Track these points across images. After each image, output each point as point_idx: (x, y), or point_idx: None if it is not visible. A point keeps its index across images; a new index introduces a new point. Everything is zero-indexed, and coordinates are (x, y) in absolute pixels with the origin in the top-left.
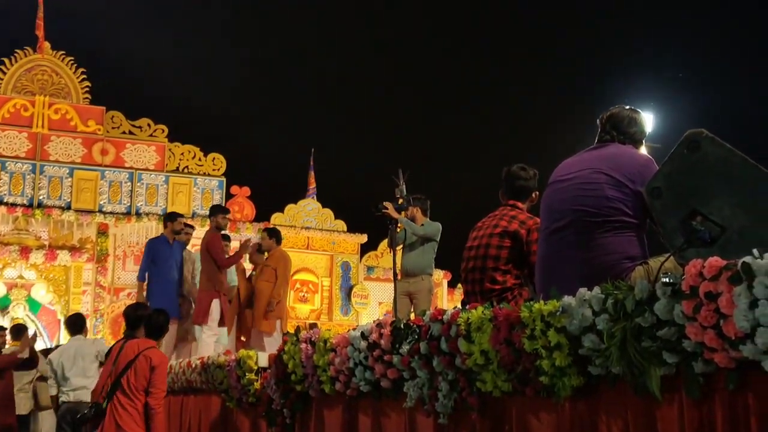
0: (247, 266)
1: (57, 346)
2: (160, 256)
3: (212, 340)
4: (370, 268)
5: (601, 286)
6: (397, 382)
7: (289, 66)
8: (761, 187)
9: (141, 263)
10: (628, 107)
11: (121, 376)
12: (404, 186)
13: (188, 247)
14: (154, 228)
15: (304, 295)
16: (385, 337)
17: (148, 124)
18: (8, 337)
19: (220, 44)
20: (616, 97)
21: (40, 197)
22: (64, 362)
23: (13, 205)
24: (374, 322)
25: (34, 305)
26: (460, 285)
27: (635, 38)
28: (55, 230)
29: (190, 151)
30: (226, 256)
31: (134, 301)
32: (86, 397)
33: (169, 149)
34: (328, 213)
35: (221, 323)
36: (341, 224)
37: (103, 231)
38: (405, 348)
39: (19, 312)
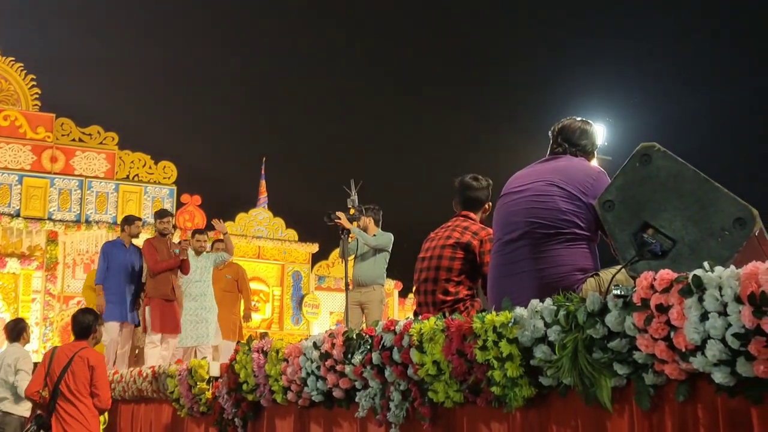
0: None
1: None
2: (114, 261)
3: (149, 348)
4: (321, 278)
5: (552, 298)
6: (350, 392)
7: (240, 74)
8: (712, 201)
9: (98, 267)
10: (579, 119)
11: (59, 383)
12: (356, 196)
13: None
14: (104, 236)
15: (255, 305)
16: (338, 347)
17: (99, 132)
18: None
19: (175, 51)
20: (567, 108)
21: None
22: None
23: None
24: (327, 332)
25: None
26: (411, 295)
27: (588, 49)
28: (4, 238)
29: (140, 159)
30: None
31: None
32: (9, 407)
33: (120, 157)
34: (280, 222)
35: (164, 330)
36: (293, 233)
37: (52, 239)
38: (357, 358)
39: None
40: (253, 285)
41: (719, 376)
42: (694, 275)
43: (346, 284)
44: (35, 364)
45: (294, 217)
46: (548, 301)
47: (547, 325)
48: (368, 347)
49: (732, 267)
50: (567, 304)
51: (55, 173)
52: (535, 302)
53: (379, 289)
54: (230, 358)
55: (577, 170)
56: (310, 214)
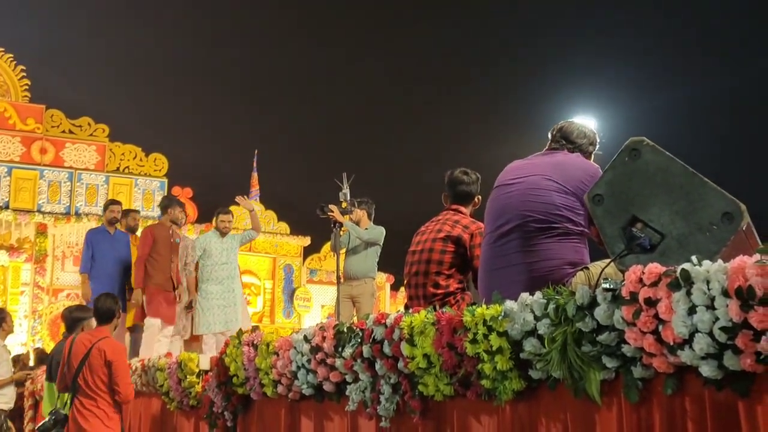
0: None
1: None
2: (98, 249)
3: (147, 334)
4: (312, 271)
5: (542, 291)
6: (340, 386)
7: (232, 66)
8: (700, 195)
9: (82, 255)
10: (580, 122)
11: (77, 377)
12: (348, 189)
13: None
14: None
15: (246, 298)
16: (328, 341)
17: (89, 123)
18: None
19: (166, 43)
20: (554, 104)
21: None
22: None
23: None
24: (317, 325)
25: None
26: (402, 288)
27: (573, 47)
28: None
29: (131, 152)
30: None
31: (74, 302)
32: None
33: (110, 149)
34: (272, 215)
35: (158, 316)
36: (284, 227)
37: (41, 231)
38: (348, 351)
39: None
40: (244, 278)
41: (707, 370)
42: (682, 269)
43: (338, 277)
44: (18, 356)
45: (286, 210)
46: (538, 294)
47: (536, 319)
48: (359, 340)
49: (720, 261)
50: (557, 297)
51: (44, 165)
52: (524, 295)
53: (371, 283)
54: (220, 351)
55: (575, 166)
56: (302, 207)
